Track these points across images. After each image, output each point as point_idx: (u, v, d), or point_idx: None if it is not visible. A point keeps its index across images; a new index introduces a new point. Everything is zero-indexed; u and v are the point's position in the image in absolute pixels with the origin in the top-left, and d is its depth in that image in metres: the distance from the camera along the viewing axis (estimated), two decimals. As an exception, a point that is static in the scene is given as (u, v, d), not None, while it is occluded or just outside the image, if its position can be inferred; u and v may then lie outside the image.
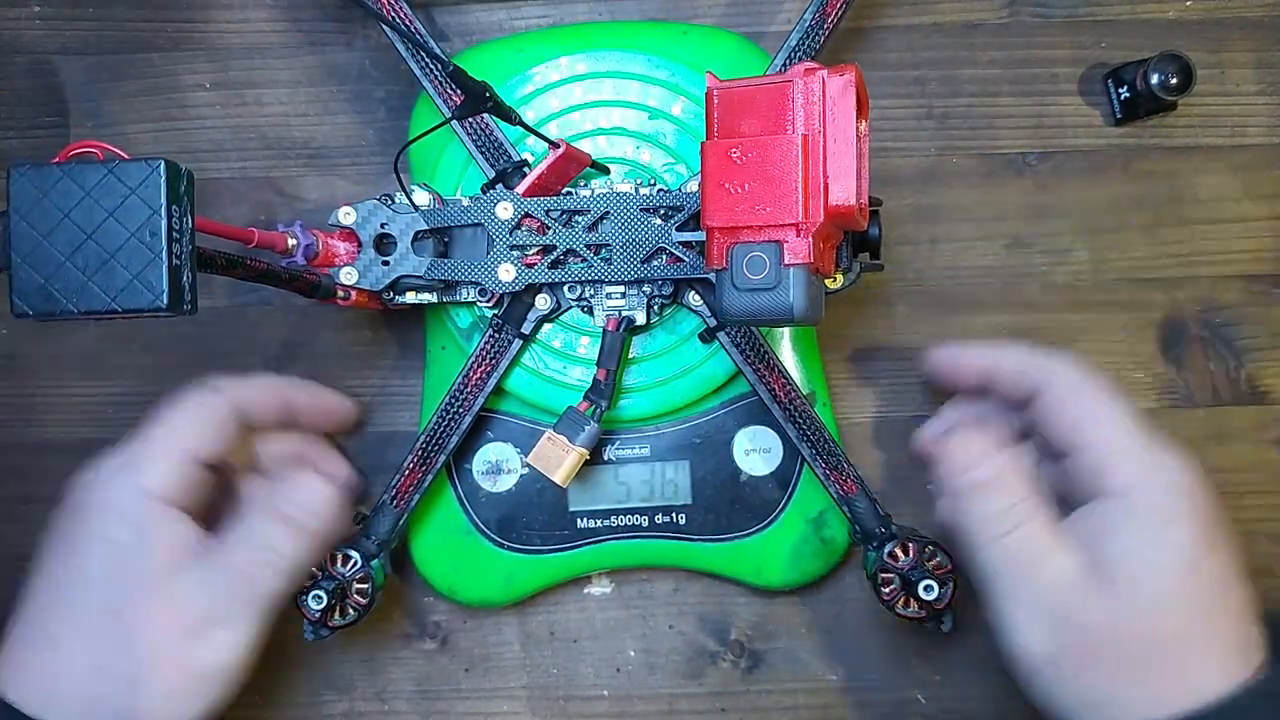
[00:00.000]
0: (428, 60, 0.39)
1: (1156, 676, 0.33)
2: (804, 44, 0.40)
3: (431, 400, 0.42)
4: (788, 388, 0.40)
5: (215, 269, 0.31)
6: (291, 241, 0.36)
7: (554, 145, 0.37)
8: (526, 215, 0.38)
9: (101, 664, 0.33)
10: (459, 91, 0.34)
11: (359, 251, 0.38)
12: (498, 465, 0.42)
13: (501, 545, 0.42)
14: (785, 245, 0.31)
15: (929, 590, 0.38)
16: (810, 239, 0.31)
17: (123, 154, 0.28)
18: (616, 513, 0.42)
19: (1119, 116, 0.45)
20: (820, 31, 0.40)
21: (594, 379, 0.39)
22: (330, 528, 0.38)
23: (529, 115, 0.41)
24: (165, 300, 0.27)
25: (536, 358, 0.41)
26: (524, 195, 0.38)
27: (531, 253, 0.38)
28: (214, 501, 0.38)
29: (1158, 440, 0.35)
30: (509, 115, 0.36)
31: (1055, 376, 0.37)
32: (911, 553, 0.39)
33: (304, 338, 0.45)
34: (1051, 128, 0.45)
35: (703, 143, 0.32)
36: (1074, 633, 0.34)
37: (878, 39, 0.45)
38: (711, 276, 0.33)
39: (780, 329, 0.42)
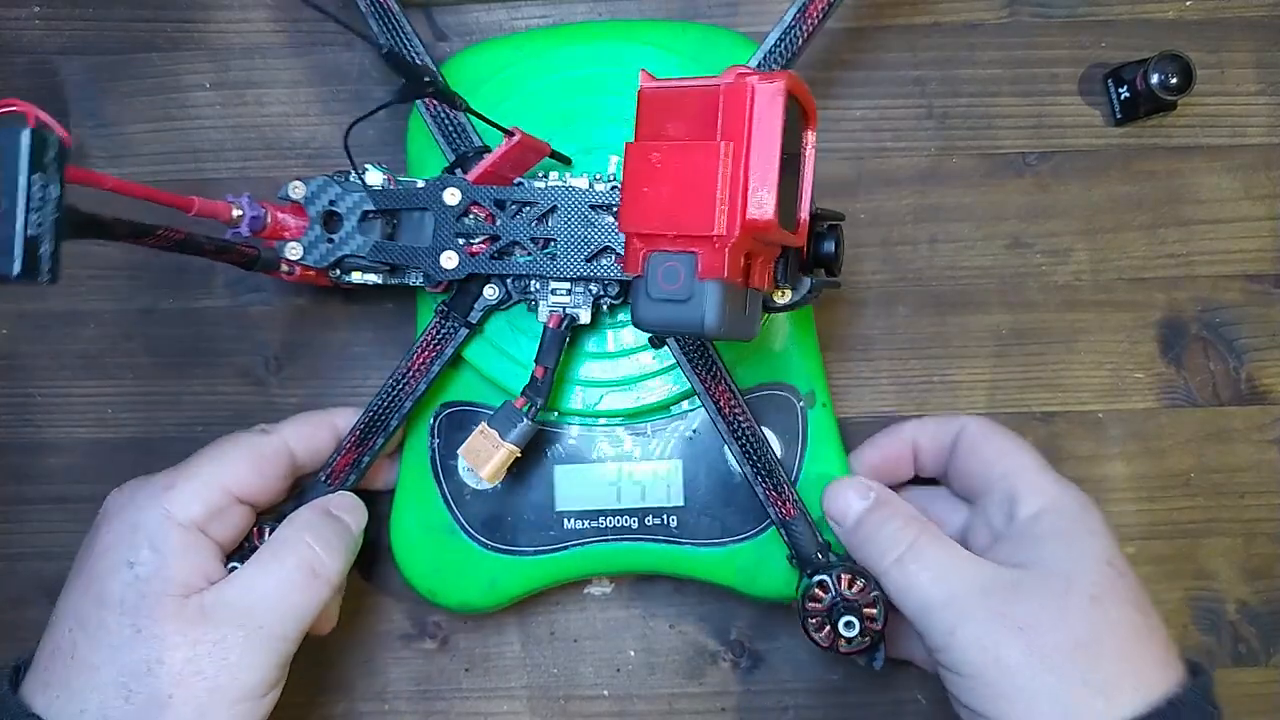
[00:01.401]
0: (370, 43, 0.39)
1: (1108, 672, 0.33)
2: (782, 44, 0.39)
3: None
4: (733, 402, 0.39)
5: (114, 236, 0.30)
6: (237, 212, 0.35)
7: (508, 133, 0.36)
8: (474, 203, 0.37)
9: (129, 684, 0.33)
10: (399, 74, 0.33)
11: (308, 226, 0.38)
12: None
13: (485, 546, 0.41)
14: (700, 257, 0.30)
15: (849, 627, 0.37)
16: (727, 253, 0.29)
17: (45, 117, 0.28)
18: (605, 514, 0.41)
19: (1119, 116, 0.45)
20: (800, 30, 0.39)
21: (531, 376, 0.38)
22: (360, 537, 0.39)
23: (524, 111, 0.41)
24: (16, 269, 0.26)
25: (522, 349, 0.40)
26: (475, 182, 0.37)
27: (477, 241, 0.38)
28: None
29: (1055, 472, 0.38)
30: (454, 101, 0.34)
31: (968, 426, 0.40)
32: (843, 584, 0.37)
33: (304, 337, 0.45)
34: (1051, 128, 0.45)
35: (627, 143, 0.31)
36: (1017, 632, 0.33)
37: (878, 39, 0.45)
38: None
39: (777, 326, 0.42)
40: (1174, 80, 0.42)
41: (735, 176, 0.29)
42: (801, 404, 0.42)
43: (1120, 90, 0.44)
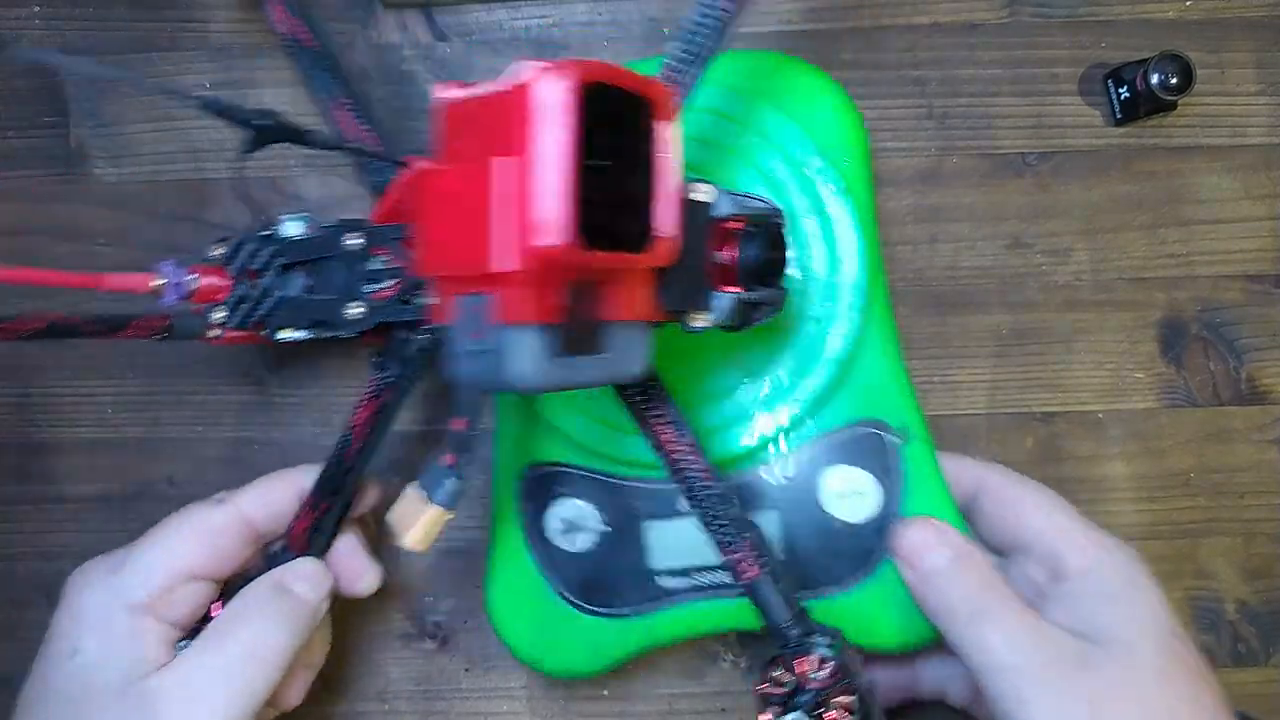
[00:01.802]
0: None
1: None
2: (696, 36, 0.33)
3: (501, 442, 0.40)
4: (676, 438, 0.34)
5: None
6: (156, 282, 0.32)
7: (399, 164, 0.32)
8: (377, 245, 0.33)
9: None
10: (230, 124, 0.30)
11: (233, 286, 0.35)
12: (573, 523, 0.39)
13: (584, 610, 0.39)
14: (497, 299, 0.25)
15: None
16: (526, 291, 0.25)
17: None
18: (699, 570, 0.38)
19: (1119, 116, 0.45)
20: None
21: (451, 430, 0.32)
22: (321, 607, 0.37)
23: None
24: None
25: (597, 400, 0.38)
26: (376, 221, 0.34)
27: (386, 286, 0.34)
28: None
29: (1095, 525, 0.37)
30: (303, 138, 0.31)
31: (990, 478, 0.38)
32: (809, 667, 0.33)
33: (304, 338, 0.45)
34: (1051, 128, 0.45)
35: (418, 170, 0.27)
36: (1088, 704, 0.32)
37: (878, 39, 0.45)
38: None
39: (859, 357, 0.38)
40: (1174, 80, 0.42)
41: (518, 199, 0.24)
42: (895, 440, 0.38)
43: (1120, 90, 0.44)
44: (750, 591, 0.34)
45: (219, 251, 0.35)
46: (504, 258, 0.24)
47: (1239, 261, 0.45)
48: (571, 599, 0.39)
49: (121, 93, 0.45)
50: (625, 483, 0.39)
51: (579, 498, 0.39)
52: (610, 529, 0.39)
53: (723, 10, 0.33)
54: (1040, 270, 0.45)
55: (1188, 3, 0.45)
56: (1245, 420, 0.45)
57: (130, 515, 0.45)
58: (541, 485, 0.40)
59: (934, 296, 0.45)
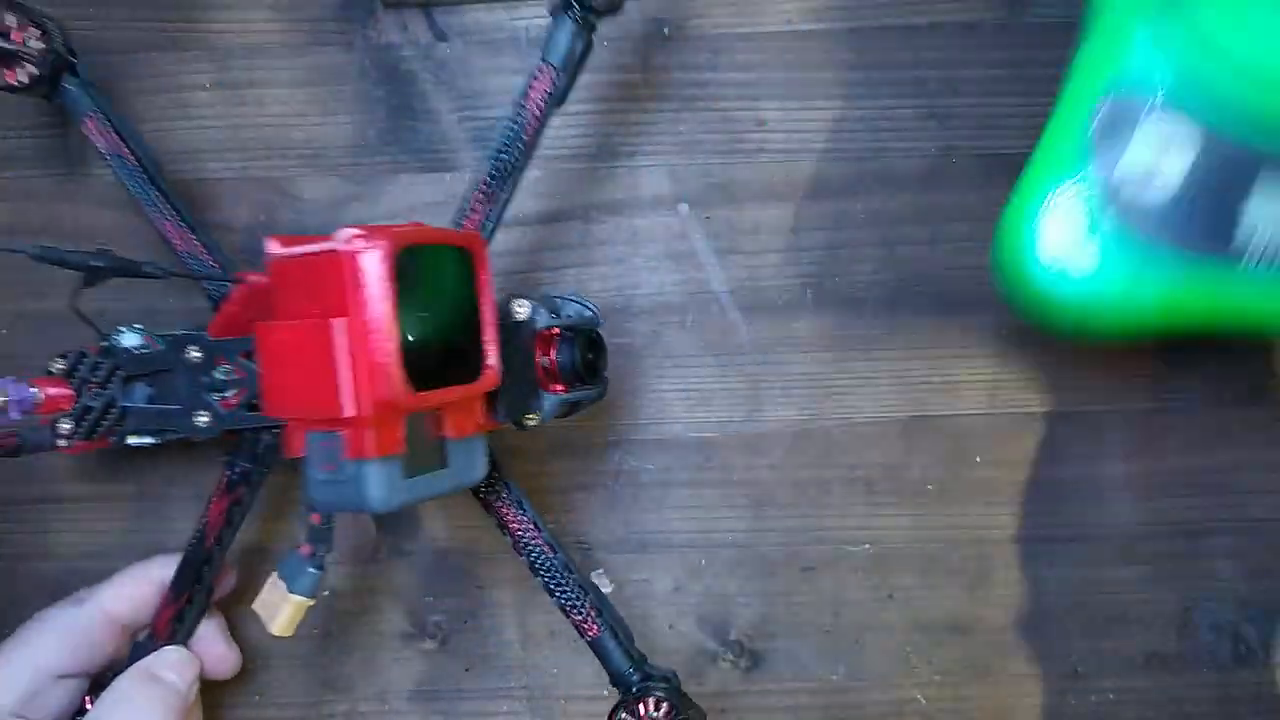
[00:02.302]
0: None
1: None
2: (504, 156, 0.36)
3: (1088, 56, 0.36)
4: (518, 518, 0.38)
5: None
6: None
7: (233, 281, 0.34)
8: (219, 356, 0.36)
9: None
10: (66, 268, 0.32)
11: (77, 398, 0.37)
12: (1152, 171, 0.34)
13: (1152, 241, 0.33)
14: (347, 437, 0.29)
15: None
16: (369, 432, 0.29)
17: None
18: None
19: (1119, 116, 0.45)
20: (511, 154, 0.36)
21: (310, 524, 0.34)
22: (190, 691, 0.38)
23: None
24: None
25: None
26: (214, 334, 0.36)
27: (231, 394, 0.36)
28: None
29: None
30: (137, 270, 0.33)
31: None
32: (649, 708, 0.36)
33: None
34: (1052, 128, 0.45)
35: (257, 325, 0.30)
36: None
37: (878, 39, 0.45)
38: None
39: None
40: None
41: (351, 355, 0.28)
42: None
43: (1121, 90, 0.44)
44: (593, 647, 0.38)
45: (60, 366, 0.37)
46: (349, 405, 0.28)
47: (1239, 261, 0.45)
48: (1135, 230, 0.33)
49: (121, 93, 0.45)
50: (1235, 147, 0.32)
51: (1167, 148, 0.33)
52: (1198, 191, 0.33)
53: (527, 126, 0.37)
54: (1040, 270, 0.45)
55: (1188, 2, 0.45)
56: (1245, 420, 0.45)
57: (130, 515, 0.45)
58: (1122, 120, 0.34)
59: (934, 296, 0.45)
